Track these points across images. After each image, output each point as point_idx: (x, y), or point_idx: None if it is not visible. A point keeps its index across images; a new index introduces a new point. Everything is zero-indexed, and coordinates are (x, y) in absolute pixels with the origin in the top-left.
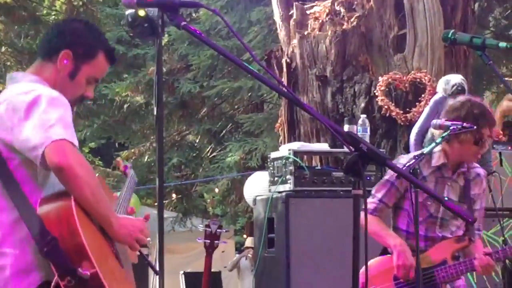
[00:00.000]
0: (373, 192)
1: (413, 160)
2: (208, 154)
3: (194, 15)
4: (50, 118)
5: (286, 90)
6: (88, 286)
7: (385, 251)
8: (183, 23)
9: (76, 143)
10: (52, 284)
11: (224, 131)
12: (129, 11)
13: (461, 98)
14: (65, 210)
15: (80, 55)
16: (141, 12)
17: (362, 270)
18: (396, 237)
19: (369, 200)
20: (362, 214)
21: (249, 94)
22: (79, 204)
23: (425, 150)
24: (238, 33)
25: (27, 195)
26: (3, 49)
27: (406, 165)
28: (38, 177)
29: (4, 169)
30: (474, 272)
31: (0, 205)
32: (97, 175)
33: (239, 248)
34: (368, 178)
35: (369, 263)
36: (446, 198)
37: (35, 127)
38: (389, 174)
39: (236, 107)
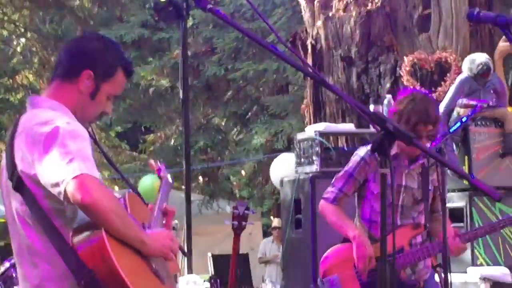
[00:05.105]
0: (332, 181)
1: (440, 139)
2: (234, 136)
3: None
4: (68, 152)
5: (312, 71)
6: None
7: (346, 239)
8: (209, 6)
9: (97, 174)
10: None
11: (249, 114)
12: None
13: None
14: (97, 241)
15: (101, 74)
16: None
17: (324, 255)
18: (355, 228)
19: (329, 189)
20: (321, 201)
21: (274, 76)
22: (110, 233)
23: (451, 129)
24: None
25: (58, 229)
26: (28, 34)
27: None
28: (67, 212)
29: (34, 204)
30: (501, 250)
31: (40, 239)
32: (128, 191)
33: (266, 230)
34: None
35: (328, 251)
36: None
37: (54, 163)
38: (348, 165)
39: (261, 89)
